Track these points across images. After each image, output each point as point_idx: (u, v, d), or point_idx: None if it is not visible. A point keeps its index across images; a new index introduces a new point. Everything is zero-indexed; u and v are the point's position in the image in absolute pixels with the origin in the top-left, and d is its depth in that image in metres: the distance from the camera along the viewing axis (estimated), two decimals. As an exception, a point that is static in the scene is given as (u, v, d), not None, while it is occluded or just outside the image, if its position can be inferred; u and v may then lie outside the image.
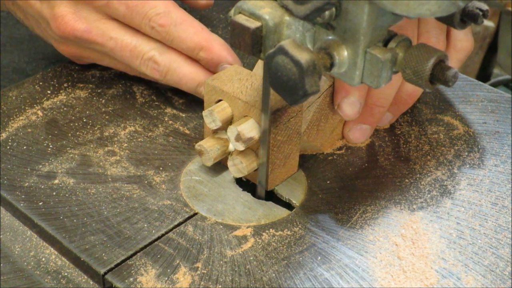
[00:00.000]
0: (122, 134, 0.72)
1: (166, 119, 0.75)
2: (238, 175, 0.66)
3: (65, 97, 0.77)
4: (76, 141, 0.71)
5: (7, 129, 0.72)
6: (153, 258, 0.60)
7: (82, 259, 0.59)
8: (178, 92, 0.77)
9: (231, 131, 0.63)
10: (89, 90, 0.78)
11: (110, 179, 0.67)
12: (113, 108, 0.76)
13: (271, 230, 0.63)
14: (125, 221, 0.63)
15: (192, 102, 0.77)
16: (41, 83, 0.78)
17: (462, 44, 0.73)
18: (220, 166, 0.68)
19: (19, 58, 0.88)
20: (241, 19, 0.57)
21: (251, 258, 0.60)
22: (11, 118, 0.73)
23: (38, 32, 0.79)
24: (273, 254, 0.61)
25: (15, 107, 0.75)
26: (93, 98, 0.77)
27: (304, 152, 0.70)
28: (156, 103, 0.77)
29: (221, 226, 0.63)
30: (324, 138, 0.71)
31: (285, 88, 0.52)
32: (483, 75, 1.71)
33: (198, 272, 0.59)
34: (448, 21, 0.64)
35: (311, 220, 0.64)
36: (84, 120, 0.74)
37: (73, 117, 0.74)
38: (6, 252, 0.62)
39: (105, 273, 0.58)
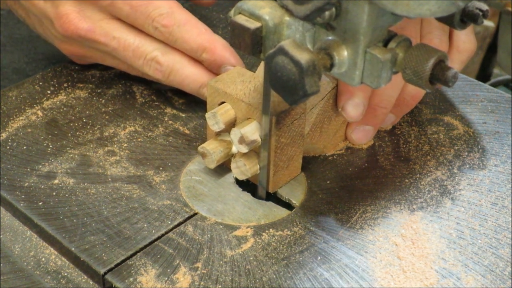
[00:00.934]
0: (122, 134, 0.72)
1: (166, 119, 0.75)
2: (241, 178, 0.66)
3: (65, 97, 0.77)
4: (76, 141, 0.71)
5: (7, 129, 0.72)
6: (153, 258, 0.60)
7: (82, 259, 0.59)
8: (178, 92, 0.77)
9: (234, 134, 0.63)
10: (89, 90, 0.78)
11: (110, 179, 0.67)
12: (113, 108, 0.76)
13: (271, 230, 0.63)
14: (125, 221, 0.63)
15: (192, 102, 0.77)
16: (41, 83, 0.78)
17: (465, 45, 0.73)
18: (220, 167, 0.68)
19: (19, 58, 0.88)
20: (241, 19, 0.56)
21: (251, 258, 0.60)
22: (11, 118, 0.73)
23: (39, 31, 0.79)
24: (273, 254, 0.61)
25: (15, 107, 0.75)
26: (93, 98, 0.77)
27: (307, 154, 0.70)
28: (156, 103, 0.77)
29: (221, 226, 0.63)
30: (327, 140, 0.71)
31: (285, 88, 0.52)
32: (483, 75, 1.71)
33: (198, 272, 0.59)
34: (448, 21, 0.64)
35: (311, 220, 0.64)
36: (84, 120, 0.74)
37: (73, 117, 0.74)
38: (6, 252, 0.62)
39: (105, 273, 0.58)
